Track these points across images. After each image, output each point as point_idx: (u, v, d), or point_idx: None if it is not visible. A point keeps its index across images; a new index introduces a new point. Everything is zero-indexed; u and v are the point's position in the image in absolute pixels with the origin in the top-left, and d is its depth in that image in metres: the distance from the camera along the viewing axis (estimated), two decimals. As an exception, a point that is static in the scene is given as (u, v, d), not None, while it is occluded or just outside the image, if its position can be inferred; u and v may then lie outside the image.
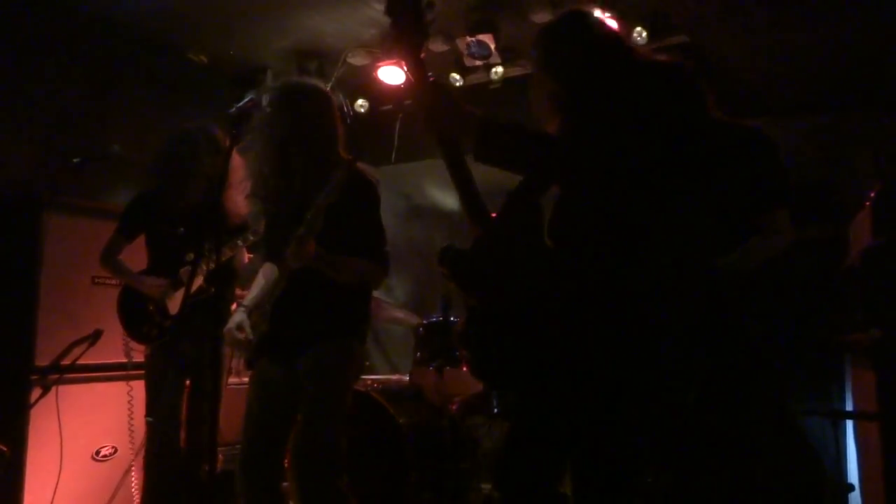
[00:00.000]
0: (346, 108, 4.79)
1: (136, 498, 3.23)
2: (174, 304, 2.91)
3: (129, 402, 3.19)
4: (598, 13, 3.81)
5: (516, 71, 4.28)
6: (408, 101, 3.81)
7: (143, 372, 2.98)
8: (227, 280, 2.99)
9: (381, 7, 1.80)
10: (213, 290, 2.71)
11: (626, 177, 1.56)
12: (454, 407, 3.54)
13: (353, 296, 2.31)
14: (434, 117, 1.67)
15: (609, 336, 1.55)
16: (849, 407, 3.52)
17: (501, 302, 1.64)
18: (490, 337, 1.66)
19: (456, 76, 4.50)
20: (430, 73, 1.70)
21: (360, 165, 2.28)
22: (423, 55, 1.70)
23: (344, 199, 2.08)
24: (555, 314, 1.58)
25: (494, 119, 1.64)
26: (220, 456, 3.50)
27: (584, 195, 1.61)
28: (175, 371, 2.84)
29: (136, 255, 3.05)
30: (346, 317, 2.29)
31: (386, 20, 1.74)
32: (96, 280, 3.33)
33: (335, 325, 2.25)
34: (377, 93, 4.75)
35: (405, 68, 1.69)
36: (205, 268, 2.76)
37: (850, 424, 3.48)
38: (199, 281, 2.81)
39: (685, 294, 1.61)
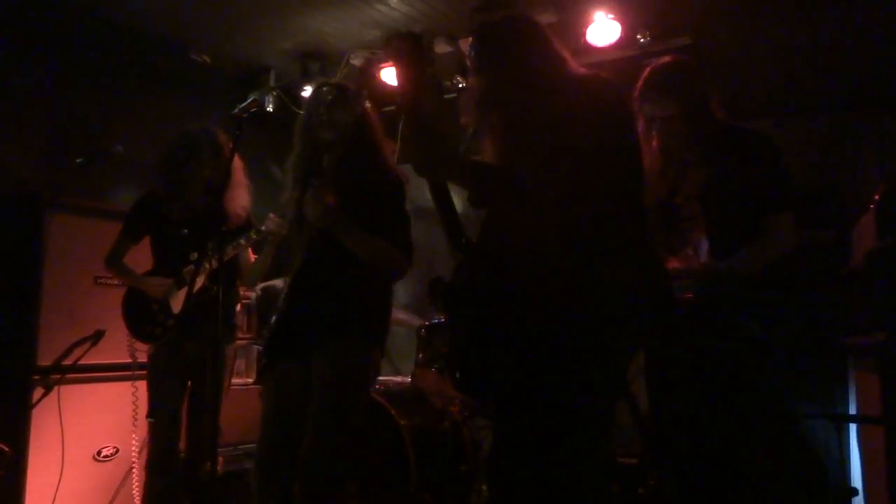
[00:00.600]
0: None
1: (137, 499, 3.23)
2: (178, 303, 2.92)
3: (133, 402, 3.18)
4: (600, 15, 3.82)
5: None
6: (389, 108, 3.85)
7: (146, 372, 2.98)
8: (230, 279, 2.99)
9: (383, 8, 1.82)
10: (215, 289, 2.71)
11: (565, 191, 1.57)
12: (456, 409, 3.53)
13: (372, 294, 2.27)
14: (431, 166, 1.69)
15: (575, 341, 1.56)
16: (852, 410, 3.51)
17: (484, 322, 1.66)
18: (472, 358, 1.69)
19: (459, 78, 4.50)
20: (430, 120, 1.71)
21: (391, 163, 2.31)
22: (426, 108, 1.71)
23: (368, 189, 2.08)
24: (525, 327, 1.60)
25: (484, 166, 1.67)
26: (220, 457, 3.50)
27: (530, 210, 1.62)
28: (177, 371, 2.84)
29: (140, 257, 3.05)
30: (364, 315, 2.23)
31: (388, 21, 1.76)
32: (99, 280, 3.34)
33: (352, 323, 2.19)
34: (379, 94, 4.75)
35: (405, 117, 1.71)
36: (208, 267, 2.77)
37: (853, 428, 3.47)
38: (202, 280, 2.81)
39: (650, 299, 1.63)
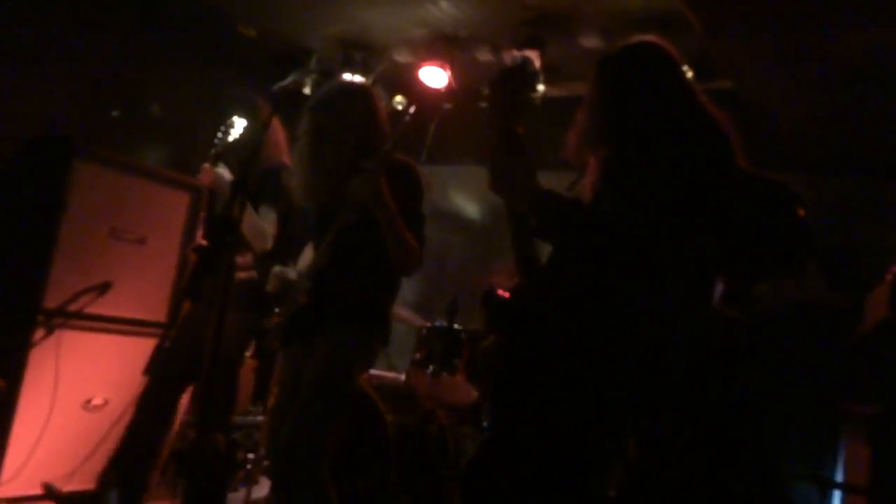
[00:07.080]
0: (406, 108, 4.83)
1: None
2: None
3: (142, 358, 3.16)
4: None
5: (557, 91, 4.28)
6: (448, 105, 3.84)
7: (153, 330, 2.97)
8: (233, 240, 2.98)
9: (432, 8, 1.83)
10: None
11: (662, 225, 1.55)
12: (444, 413, 3.54)
13: (378, 285, 2.32)
14: (509, 190, 1.66)
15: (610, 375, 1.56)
16: (839, 477, 3.48)
17: (534, 346, 1.67)
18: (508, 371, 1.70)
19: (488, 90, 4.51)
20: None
21: (409, 161, 2.35)
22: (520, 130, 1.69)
23: (399, 183, 2.13)
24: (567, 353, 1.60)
25: (554, 199, 1.62)
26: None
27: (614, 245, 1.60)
28: (193, 338, 2.84)
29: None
30: (367, 305, 2.29)
31: (435, 21, 1.76)
32: (114, 232, 3.36)
33: (355, 311, 2.26)
34: (417, 92, 4.77)
35: (495, 131, 1.68)
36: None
37: (837, 495, 3.44)
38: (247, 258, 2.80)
39: (697, 343, 1.63)
